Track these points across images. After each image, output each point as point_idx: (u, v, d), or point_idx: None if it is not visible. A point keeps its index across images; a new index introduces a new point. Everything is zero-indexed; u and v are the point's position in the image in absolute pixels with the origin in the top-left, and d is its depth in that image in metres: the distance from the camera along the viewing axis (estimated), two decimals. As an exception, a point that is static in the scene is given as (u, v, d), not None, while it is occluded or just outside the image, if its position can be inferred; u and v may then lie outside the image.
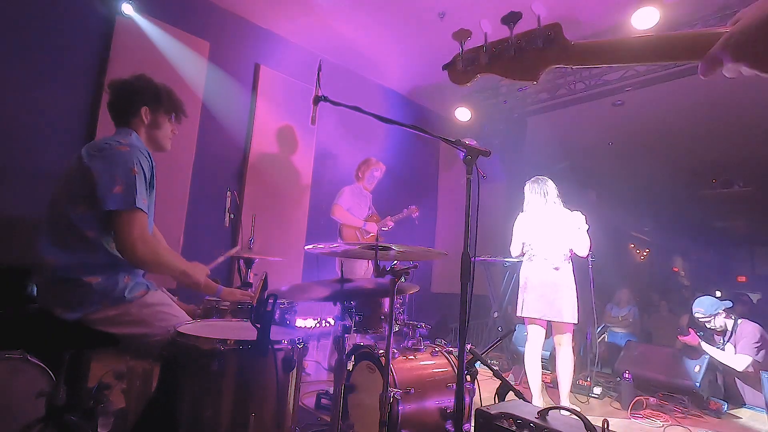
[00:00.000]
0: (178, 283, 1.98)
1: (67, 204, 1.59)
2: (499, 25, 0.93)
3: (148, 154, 1.70)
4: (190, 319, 1.77)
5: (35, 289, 1.64)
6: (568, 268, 3.18)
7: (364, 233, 3.86)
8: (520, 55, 0.86)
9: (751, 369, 3.47)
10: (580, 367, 4.19)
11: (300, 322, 4.03)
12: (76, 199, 1.58)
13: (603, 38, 0.85)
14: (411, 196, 4.63)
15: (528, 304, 3.17)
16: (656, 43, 0.77)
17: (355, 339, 2.32)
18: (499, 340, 3.08)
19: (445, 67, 0.98)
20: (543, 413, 1.51)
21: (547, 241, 3.21)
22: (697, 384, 3.38)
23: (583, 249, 3.15)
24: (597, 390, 3.69)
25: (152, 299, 1.69)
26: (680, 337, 3.67)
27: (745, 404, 3.61)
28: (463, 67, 0.94)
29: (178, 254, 1.78)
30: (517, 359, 4.46)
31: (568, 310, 3.07)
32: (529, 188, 3.41)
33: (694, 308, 3.88)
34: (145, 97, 1.79)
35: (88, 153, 1.61)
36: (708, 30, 0.70)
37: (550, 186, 3.33)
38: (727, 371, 3.63)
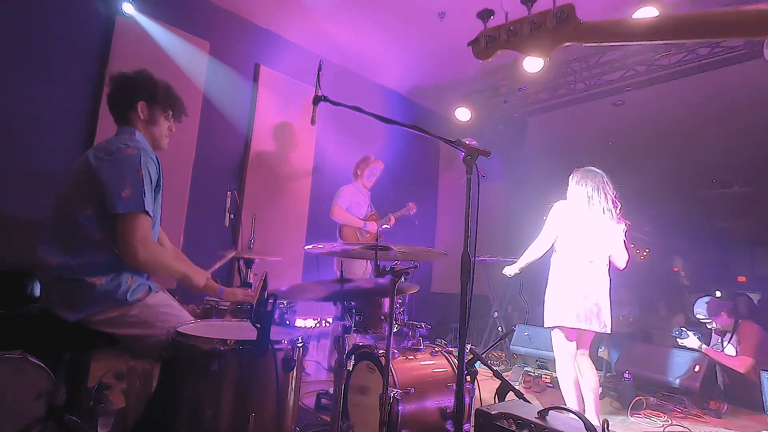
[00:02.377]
0: (178, 283, 1.98)
1: (75, 206, 1.58)
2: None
3: (156, 157, 1.70)
4: (193, 318, 1.77)
5: (39, 288, 1.64)
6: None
7: (364, 233, 3.86)
8: (535, 33, 0.93)
9: (752, 369, 3.47)
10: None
11: (300, 322, 4.03)
12: (84, 201, 1.58)
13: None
14: (411, 195, 4.63)
15: (573, 312, 2.66)
16: (661, 23, 0.81)
17: (355, 339, 2.32)
18: (499, 340, 3.07)
19: (470, 43, 1.06)
20: (543, 413, 1.51)
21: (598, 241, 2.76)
22: (697, 384, 3.38)
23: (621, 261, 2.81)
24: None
25: (154, 300, 1.69)
26: (680, 341, 3.67)
27: (745, 404, 3.61)
28: (485, 44, 1.01)
29: (181, 256, 1.78)
30: (517, 359, 4.46)
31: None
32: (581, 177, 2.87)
33: (696, 309, 3.88)
34: (142, 92, 1.76)
35: (96, 156, 1.61)
36: (707, 11, 0.73)
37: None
38: (728, 372, 3.63)
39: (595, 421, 2.56)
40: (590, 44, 0.92)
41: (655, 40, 0.84)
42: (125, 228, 1.54)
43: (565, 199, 2.89)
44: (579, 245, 2.74)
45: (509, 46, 0.98)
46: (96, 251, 1.58)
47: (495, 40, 0.99)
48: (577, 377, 2.71)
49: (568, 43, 0.91)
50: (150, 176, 1.62)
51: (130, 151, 1.61)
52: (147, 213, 1.57)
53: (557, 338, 2.76)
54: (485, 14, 1.05)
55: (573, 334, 2.72)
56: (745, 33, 0.78)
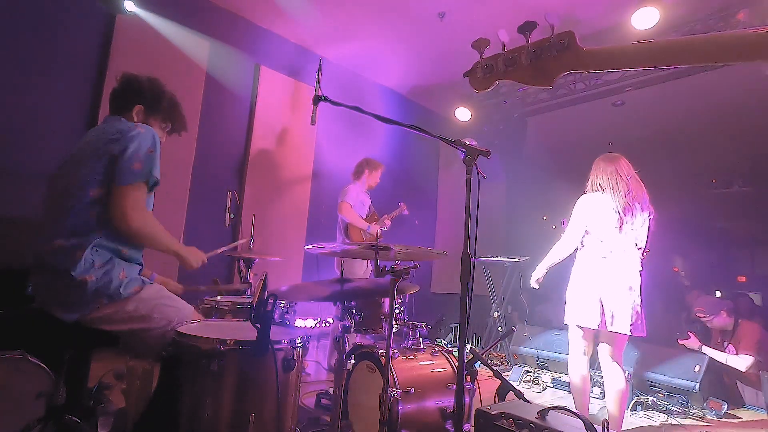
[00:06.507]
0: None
1: (77, 191, 1.59)
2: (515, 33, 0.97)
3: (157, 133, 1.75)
4: (191, 308, 1.77)
5: (31, 289, 1.64)
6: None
7: (368, 233, 3.88)
8: (535, 62, 0.91)
9: (752, 369, 3.47)
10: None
11: (300, 322, 4.03)
12: (91, 183, 1.59)
13: (607, 39, 0.90)
14: (411, 196, 4.64)
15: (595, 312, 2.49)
16: (665, 48, 0.80)
17: (355, 339, 2.33)
18: (499, 340, 3.06)
19: (466, 74, 1.04)
20: (543, 413, 1.51)
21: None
22: (697, 384, 3.38)
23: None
24: (597, 390, 3.69)
25: (148, 293, 1.68)
26: (680, 341, 3.67)
27: (745, 404, 3.61)
28: (483, 74, 0.99)
29: (173, 237, 1.77)
30: (517, 359, 4.46)
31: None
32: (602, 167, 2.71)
33: (696, 308, 3.88)
34: (144, 98, 1.80)
35: (107, 138, 1.63)
36: (714, 35, 0.74)
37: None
38: (728, 372, 3.63)
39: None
40: (593, 71, 0.91)
41: (658, 65, 0.84)
42: (119, 196, 1.58)
43: (586, 192, 2.73)
44: (610, 239, 2.55)
45: (508, 77, 0.96)
46: (93, 232, 1.58)
47: (492, 70, 0.98)
48: (586, 377, 2.61)
49: (570, 72, 0.90)
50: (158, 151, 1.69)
51: (140, 128, 1.67)
52: (154, 181, 1.65)
53: (573, 335, 2.65)
54: (480, 44, 1.02)
55: (590, 333, 2.59)
56: (748, 57, 0.77)
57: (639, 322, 2.46)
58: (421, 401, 1.94)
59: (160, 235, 1.68)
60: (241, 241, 2.56)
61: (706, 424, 3.19)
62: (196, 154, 4.04)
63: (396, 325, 2.28)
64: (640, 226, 2.58)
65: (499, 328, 4.86)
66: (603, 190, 2.63)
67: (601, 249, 2.55)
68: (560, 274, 2.86)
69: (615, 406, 2.51)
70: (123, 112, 1.78)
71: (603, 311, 2.47)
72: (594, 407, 3.33)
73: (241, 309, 2.23)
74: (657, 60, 0.83)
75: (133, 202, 1.58)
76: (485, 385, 2.12)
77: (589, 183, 2.72)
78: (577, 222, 2.65)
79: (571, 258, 2.75)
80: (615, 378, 2.53)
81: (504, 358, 4.74)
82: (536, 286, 2.86)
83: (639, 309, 2.48)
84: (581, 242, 2.67)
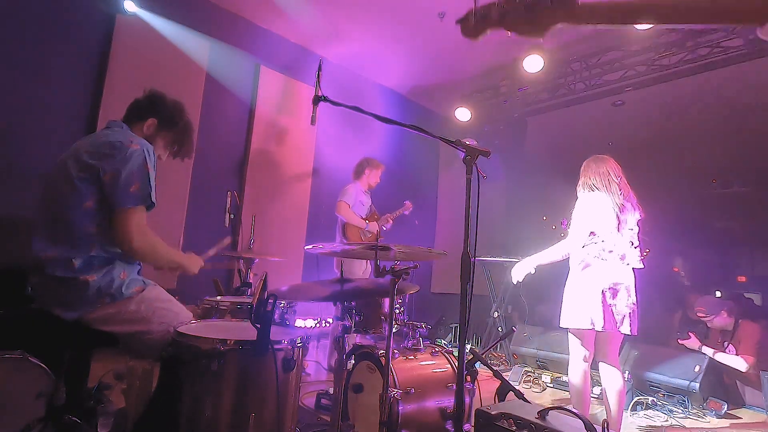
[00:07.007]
0: (178, 283, 2.00)
1: (69, 201, 1.58)
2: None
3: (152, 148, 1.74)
4: (190, 313, 1.77)
5: (30, 290, 1.64)
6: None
7: (366, 233, 3.87)
8: (530, 12, 0.90)
9: (752, 369, 3.47)
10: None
11: (300, 322, 4.03)
12: (84, 196, 1.58)
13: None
14: (411, 196, 4.63)
15: (598, 312, 2.44)
16: (660, 4, 0.80)
17: (355, 339, 2.33)
18: (499, 340, 3.05)
19: (459, 21, 1.01)
20: (543, 413, 1.51)
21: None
22: (697, 384, 3.38)
23: None
24: (597, 390, 3.69)
25: (150, 294, 1.69)
26: (680, 341, 3.67)
27: (745, 404, 3.61)
28: (475, 22, 0.98)
29: (172, 248, 1.79)
30: (517, 359, 4.46)
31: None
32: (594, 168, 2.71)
33: (696, 307, 3.88)
34: (162, 114, 1.81)
35: (97, 152, 1.61)
36: None
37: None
38: (728, 371, 3.62)
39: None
40: (586, 24, 0.90)
41: (654, 22, 0.84)
42: (122, 218, 1.58)
43: (577, 194, 2.71)
44: (610, 238, 2.52)
45: (501, 26, 0.94)
46: (89, 246, 1.58)
47: (486, 18, 0.96)
48: (586, 380, 2.56)
49: (564, 24, 0.88)
50: (154, 168, 1.67)
51: (134, 146, 1.63)
52: (151, 205, 1.65)
53: (573, 342, 2.59)
54: None
55: (590, 338, 2.53)
56: (744, 19, 0.77)
57: (632, 320, 2.48)
58: (421, 401, 1.94)
59: (161, 253, 1.70)
60: (227, 240, 2.53)
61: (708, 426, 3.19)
62: (196, 154, 4.00)
63: (396, 325, 2.28)
64: (634, 225, 2.60)
65: (499, 328, 4.86)
66: (597, 190, 2.62)
67: (601, 249, 2.54)
68: (560, 273, 2.85)
69: (614, 406, 2.50)
70: (133, 121, 1.79)
71: (604, 313, 2.44)
72: (594, 407, 3.33)
73: (241, 309, 2.23)
74: (655, 16, 0.82)
75: (135, 224, 1.59)
76: (485, 385, 2.12)
77: (580, 184, 2.72)
78: (584, 221, 2.59)
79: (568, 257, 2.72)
80: (612, 378, 2.53)
81: (504, 358, 4.74)
82: (515, 282, 2.72)
83: (634, 308, 2.49)
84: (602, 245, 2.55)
